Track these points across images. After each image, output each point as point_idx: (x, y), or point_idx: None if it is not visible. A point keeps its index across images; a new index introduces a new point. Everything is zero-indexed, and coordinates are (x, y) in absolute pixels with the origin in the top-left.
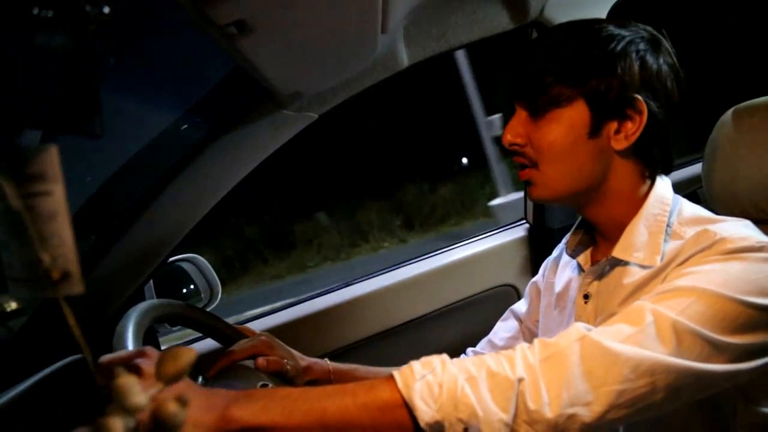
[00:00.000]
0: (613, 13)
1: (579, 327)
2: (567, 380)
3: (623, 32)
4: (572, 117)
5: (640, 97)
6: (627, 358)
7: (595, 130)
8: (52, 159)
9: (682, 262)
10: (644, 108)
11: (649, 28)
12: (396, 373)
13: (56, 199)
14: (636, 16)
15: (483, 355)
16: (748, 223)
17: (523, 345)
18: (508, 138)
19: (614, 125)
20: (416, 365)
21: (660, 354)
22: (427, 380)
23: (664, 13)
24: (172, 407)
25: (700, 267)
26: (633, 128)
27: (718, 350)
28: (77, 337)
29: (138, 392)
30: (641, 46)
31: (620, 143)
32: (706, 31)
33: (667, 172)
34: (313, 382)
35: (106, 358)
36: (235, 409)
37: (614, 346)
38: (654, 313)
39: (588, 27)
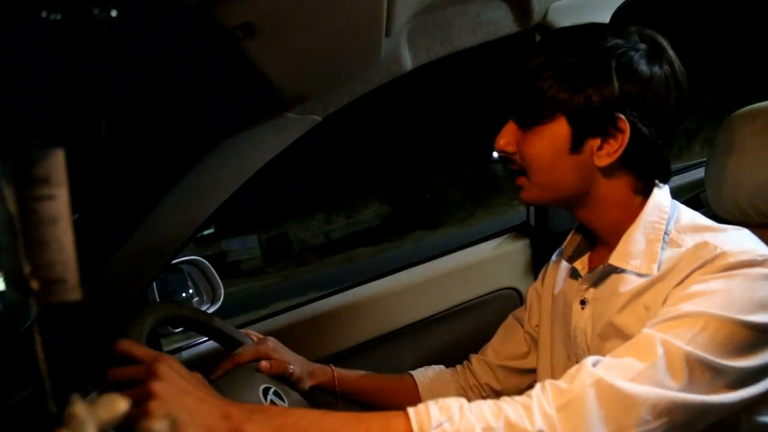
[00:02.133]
0: (617, 16)
1: (589, 368)
2: (587, 428)
3: (614, 43)
4: (554, 132)
5: (622, 115)
6: (644, 399)
7: (576, 146)
8: (57, 163)
9: (683, 279)
10: (626, 127)
11: (649, 33)
12: (412, 412)
13: (59, 203)
14: (639, 19)
15: (500, 401)
16: (746, 232)
17: (537, 392)
18: (500, 144)
19: (597, 142)
20: (433, 408)
21: (674, 391)
22: (443, 428)
23: (667, 15)
24: (158, 425)
25: (703, 286)
26: (615, 146)
27: (728, 377)
28: (41, 363)
29: (90, 425)
30: (633, 56)
31: (602, 160)
32: (709, 32)
33: (664, 181)
34: (317, 388)
35: (124, 345)
36: (249, 426)
37: (629, 388)
38: (664, 344)
39: (575, 41)
